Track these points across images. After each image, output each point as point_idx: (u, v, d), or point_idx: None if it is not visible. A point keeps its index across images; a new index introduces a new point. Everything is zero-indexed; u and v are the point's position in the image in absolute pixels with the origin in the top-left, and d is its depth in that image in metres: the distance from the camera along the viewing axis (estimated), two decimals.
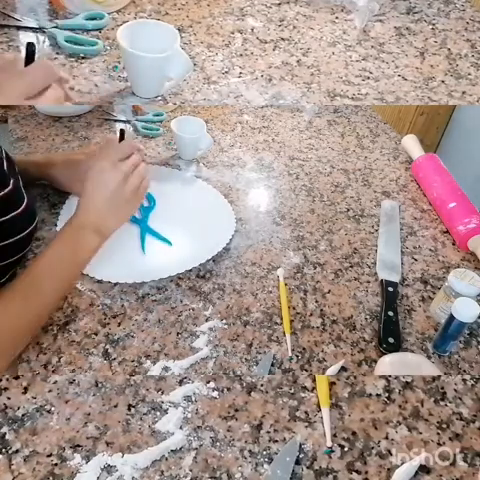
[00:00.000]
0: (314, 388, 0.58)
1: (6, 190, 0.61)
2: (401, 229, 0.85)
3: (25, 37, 0.71)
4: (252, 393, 0.57)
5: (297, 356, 0.62)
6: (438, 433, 0.54)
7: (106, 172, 0.65)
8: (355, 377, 0.59)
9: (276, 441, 0.53)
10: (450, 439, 0.54)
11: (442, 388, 0.59)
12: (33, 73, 0.52)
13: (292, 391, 0.57)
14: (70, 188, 0.80)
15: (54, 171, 0.79)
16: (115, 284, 0.69)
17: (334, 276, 0.75)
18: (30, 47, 0.51)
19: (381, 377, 0.59)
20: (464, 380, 0.60)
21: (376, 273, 0.75)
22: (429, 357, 0.63)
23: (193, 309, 0.67)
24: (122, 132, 0.71)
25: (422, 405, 0.57)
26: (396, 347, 0.63)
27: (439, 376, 0.60)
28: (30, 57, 0.52)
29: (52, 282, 0.60)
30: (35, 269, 0.60)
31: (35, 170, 0.80)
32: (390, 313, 0.68)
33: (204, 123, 0.95)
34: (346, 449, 0.52)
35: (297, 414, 0.55)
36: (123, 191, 0.66)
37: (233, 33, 0.78)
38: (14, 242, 0.64)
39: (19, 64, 0.52)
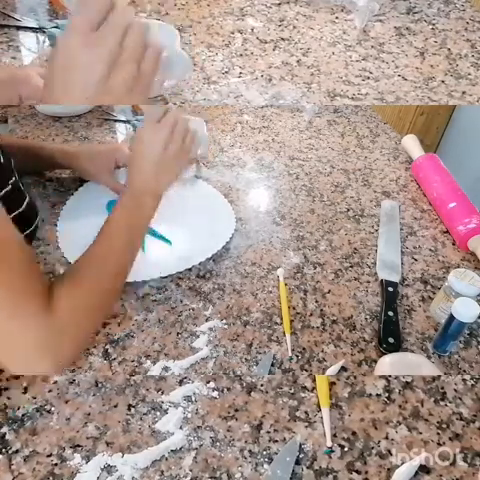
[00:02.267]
0: (314, 388, 0.58)
1: (4, 190, 0.61)
2: (401, 229, 0.85)
3: (25, 37, 0.71)
4: (252, 393, 0.57)
5: (297, 356, 0.62)
6: (438, 433, 0.54)
7: (147, 137, 0.66)
8: (355, 377, 0.59)
9: (276, 441, 0.53)
10: (450, 439, 0.54)
11: (442, 388, 0.59)
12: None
13: (292, 391, 0.57)
14: (95, 177, 0.82)
15: (82, 161, 0.80)
16: None
17: (334, 276, 0.75)
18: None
19: (381, 377, 0.59)
20: (464, 380, 0.60)
21: (376, 273, 0.75)
22: (429, 357, 0.63)
23: (193, 309, 0.67)
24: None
25: (422, 405, 0.57)
26: (396, 347, 0.63)
27: (439, 376, 0.60)
28: None
29: (123, 245, 0.59)
30: (105, 236, 0.59)
31: (62, 157, 0.81)
32: (390, 313, 0.68)
33: (204, 123, 0.95)
34: (346, 449, 0.52)
35: (297, 414, 0.55)
36: (168, 151, 0.66)
37: (233, 33, 0.78)
38: None
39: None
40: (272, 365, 0.60)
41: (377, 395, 0.58)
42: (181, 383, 0.57)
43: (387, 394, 0.58)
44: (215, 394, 0.56)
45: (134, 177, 0.65)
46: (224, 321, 0.66)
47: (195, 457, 0.51)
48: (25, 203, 0.65)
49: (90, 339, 0.58)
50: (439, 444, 0.53)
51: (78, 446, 0.51)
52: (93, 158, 0.79)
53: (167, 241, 0.76)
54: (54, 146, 0.86)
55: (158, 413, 0.54)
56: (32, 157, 0.80)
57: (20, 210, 0.63)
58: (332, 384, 0.58)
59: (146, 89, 0.48)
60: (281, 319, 0.67)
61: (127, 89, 0.45)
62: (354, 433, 0.54)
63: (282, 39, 0.79)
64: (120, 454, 0.50)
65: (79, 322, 0.52)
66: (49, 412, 0.53)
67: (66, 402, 0.54)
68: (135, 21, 0.44)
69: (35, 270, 0.51)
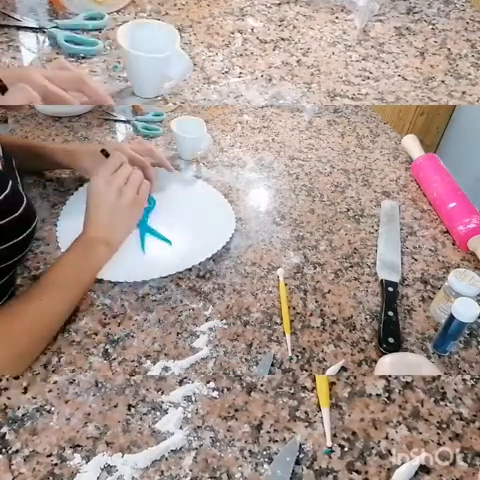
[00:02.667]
0: (314, 388, 0.58)
1: (3, 194, 0.61)
2: (401, 229, 0.86)
3: (25, 37, 0.71)
4: (252, 393, 0.57)
5: (297, 356, 0.62)
6: (438, 433, 0.54)
7: (101, 189, 0.70)
8: (355, 377, 0.59)
9: (276, 441, 0.53)
10: (450, 439, 0.54)
11: (442, 388, 0.59)
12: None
13: (292, 391, 0.57)
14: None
15: (82, 160, 0.80)
16: (115, 284, 0.69)
17: (334, 276, 0.75)
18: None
19: (381, 377, 0.59)
20: (464, 380, 0.60)
21: (376, 273, 0.75)
22: (429, 357, 0.63)
23: (193, 309, 0.67)
24: (103, 151, 0.75)
25: (422, 405, 0.57)
26: (396, 347, 0.63)
27: (439, 376, 0.60)
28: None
29: (65, 292, 0.62)
30: (49, 279, 0.62)
31: (63, 156, 0.81)
32: (390, 313, 0.68)
33: (204, 123, 0.95)
34: (346, 449, 0.52)
35: (297, 414, 0.55)
36: (120, 203, 0.70)
37: (233, 33, 0.78)
38: (14, 244, 0.64)
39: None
40: (272, 365, 0.60)
41: (377, 395, 0.58)
42: (181, 383, 0.57)
43: (387, 394, 0.58)
44: (215, 394, 0.56)
45: (88, 225, 0.69)
46: (224, 321, 0.66)
47: (195, 457, 0.51)
48: (23, 205, 0.65)
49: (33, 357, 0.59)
50: (439, 444, 0.53)
51: (78, 446, 0.51)
52: (94, 157, 0.79)
53: (167, 241, 0.76)
54: (55, 145, 0.86)
55: (158, 413, 0.54)
56: (33, 156, 0.80)
57: (18, 213, 0.63)
58: (332, 384, 0.58)
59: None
60: (281, 319, 0.67)
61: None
62: (354, 433, 0.54)
63: (282, 39, 0.79)
64: (120, 454, 0.50)
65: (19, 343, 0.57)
66: (49, 412, 0.53)
67: (66, 402, 0.54)
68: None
69: None
